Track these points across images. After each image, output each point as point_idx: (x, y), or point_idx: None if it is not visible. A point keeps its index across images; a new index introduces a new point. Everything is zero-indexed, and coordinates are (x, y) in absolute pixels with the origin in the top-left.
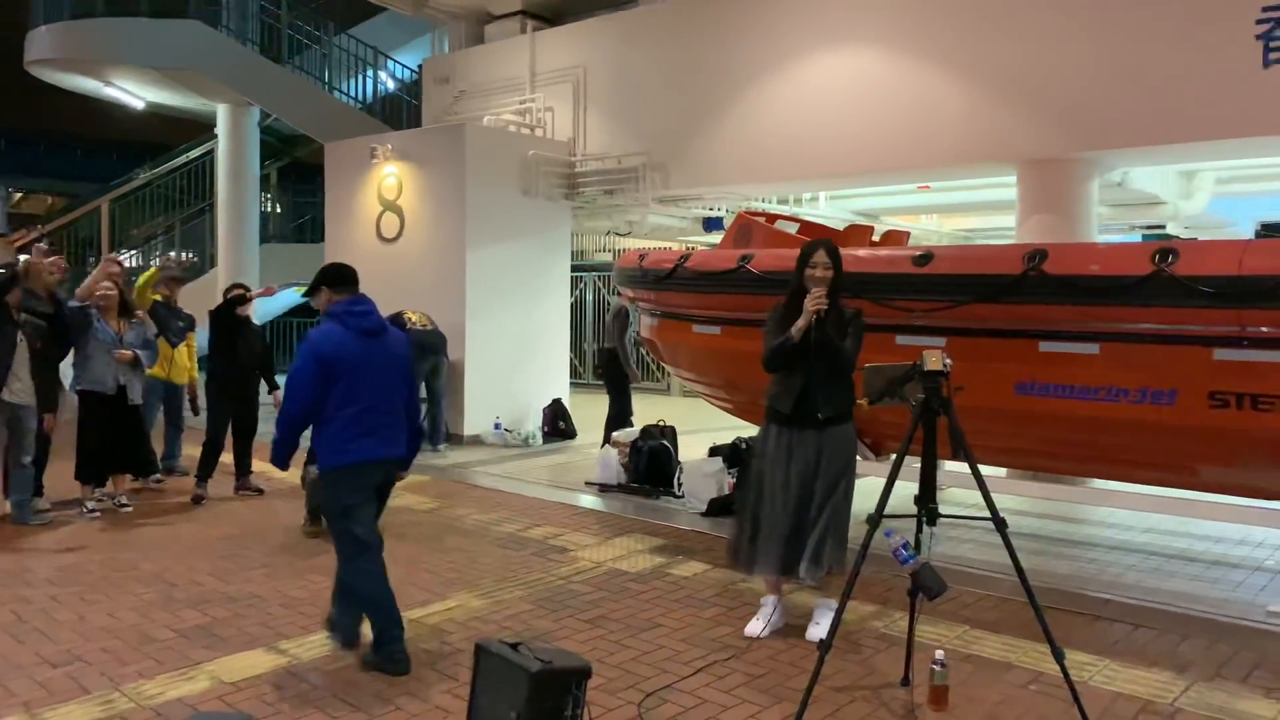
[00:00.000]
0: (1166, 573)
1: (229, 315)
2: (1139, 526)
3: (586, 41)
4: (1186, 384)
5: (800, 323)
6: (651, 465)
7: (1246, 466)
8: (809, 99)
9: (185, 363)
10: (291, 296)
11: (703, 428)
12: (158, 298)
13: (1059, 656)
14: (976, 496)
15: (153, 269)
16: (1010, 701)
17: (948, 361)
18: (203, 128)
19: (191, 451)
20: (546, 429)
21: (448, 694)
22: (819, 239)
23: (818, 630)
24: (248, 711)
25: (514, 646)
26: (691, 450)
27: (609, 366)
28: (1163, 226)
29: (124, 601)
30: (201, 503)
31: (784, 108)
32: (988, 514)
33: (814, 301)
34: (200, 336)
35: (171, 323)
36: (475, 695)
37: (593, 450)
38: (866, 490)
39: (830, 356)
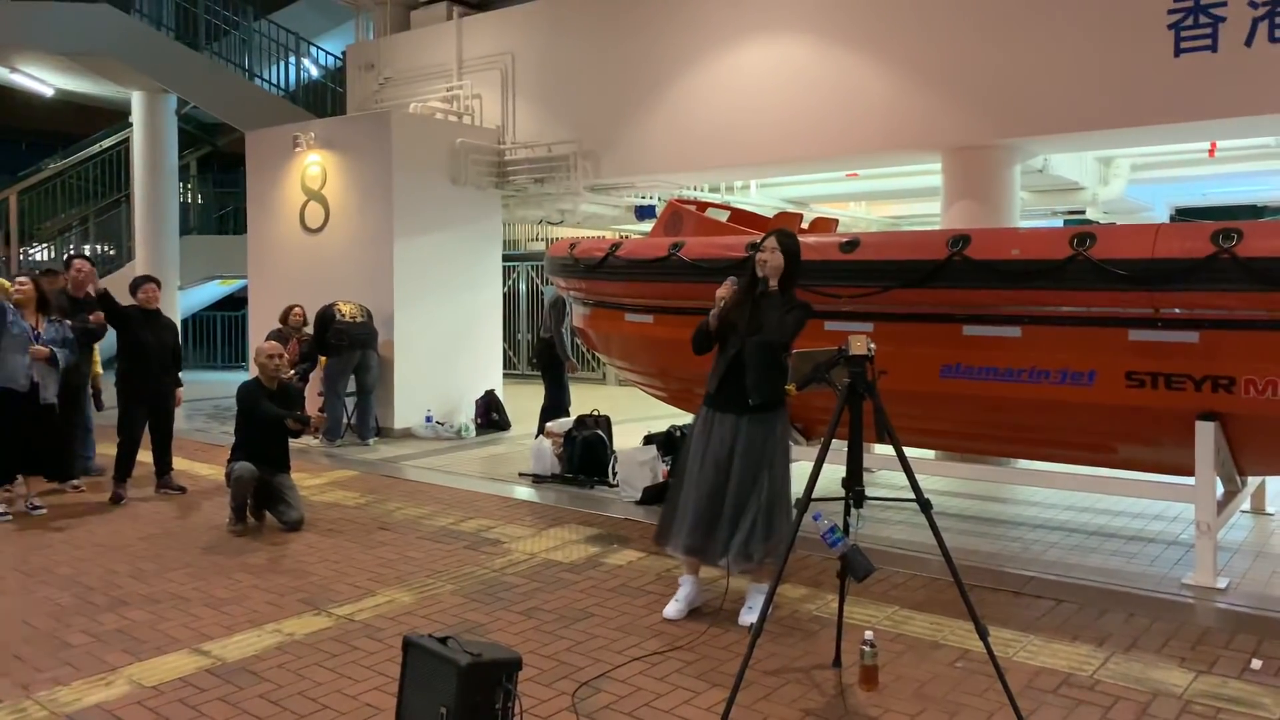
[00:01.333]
0: (1086, 549)
1: (118, 311)
2: (1060, 505)
3: (514, 28)
4: (1104, 365)
5: (714, 309)
6: (586, 455)
7: (1161, 444)
8: (737, 87)
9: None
10: (214, 289)
11: (638, 416)
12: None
13: (983, 634)
14: (904, 478)
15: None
16: (938, 679)
17: (872, 346)
18: (117, 116)
19: (108, 450)
20: (480, 421)
21: (377, 691)
22: (777, 228)
23: (750, 615)
24: (167, 716)
25: (443, 641)
26: (626, 439)
27: (545, 356)
28: (1082, 212)
29: (38, 606)
30: (121, 502)
31: (713, 95)
32: (914, 496)
33: (722, 287)
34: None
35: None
36: (404, 691)
37: (527, 441)
38: (798, 474)
39: (760, 346)
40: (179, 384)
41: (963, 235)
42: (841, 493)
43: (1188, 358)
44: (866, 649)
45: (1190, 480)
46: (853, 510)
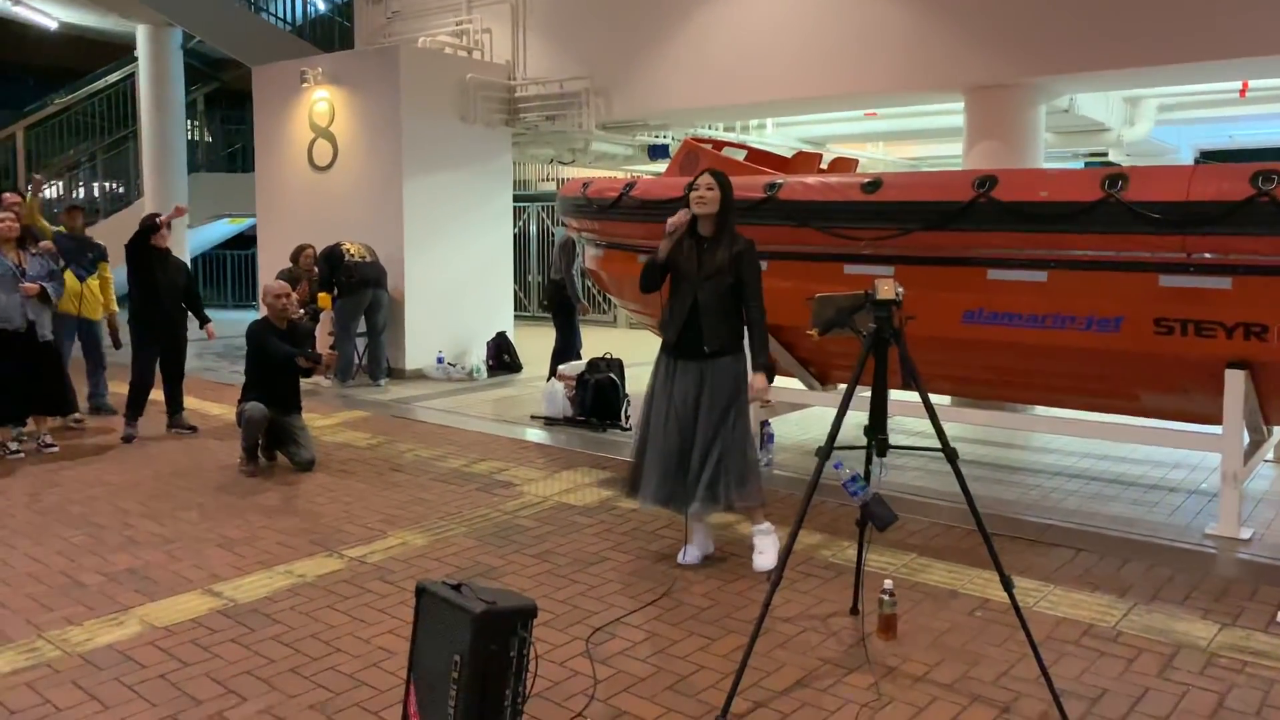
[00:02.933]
0: (1105, 497)
1: (143, 247)
2: (1078, 452)
3: None
4: (1132, 311)
5: (663, 244)
6: (598, 398)
7: (1188, 392)
8: (755, 22)
9: (99, 296)
10: (223, 228)
11: (650, 359)
12: (61, 229)
13: (1008, 586)
14: (922, 424)
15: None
16: (957, 629)
17: (900, 290)
18: (122, 50)
19: (120, 389)
20: (491, 362)
21: (390, 634)
22: (709, 167)
23: (763, 559)
24: (180, 656)
25: (456, 587)
26: (638, 383)
27: (555, 298)
28: (1105, 154)
29: (50, 545)
30: (132, 442)
31: (730, 31)
32: (937, 444)
33: (677, 215)
34: (121, 273)
35: (79, 255)
36: (417, 638)
37: (538, 384)
38: (810, 420)
39: (715, 294)
40: (206, 319)
41: (989, 176)
42: (863, 441)
43: (1220, 304)
44: (885, 598)
45: (1216, 429)
46: (875, 459)
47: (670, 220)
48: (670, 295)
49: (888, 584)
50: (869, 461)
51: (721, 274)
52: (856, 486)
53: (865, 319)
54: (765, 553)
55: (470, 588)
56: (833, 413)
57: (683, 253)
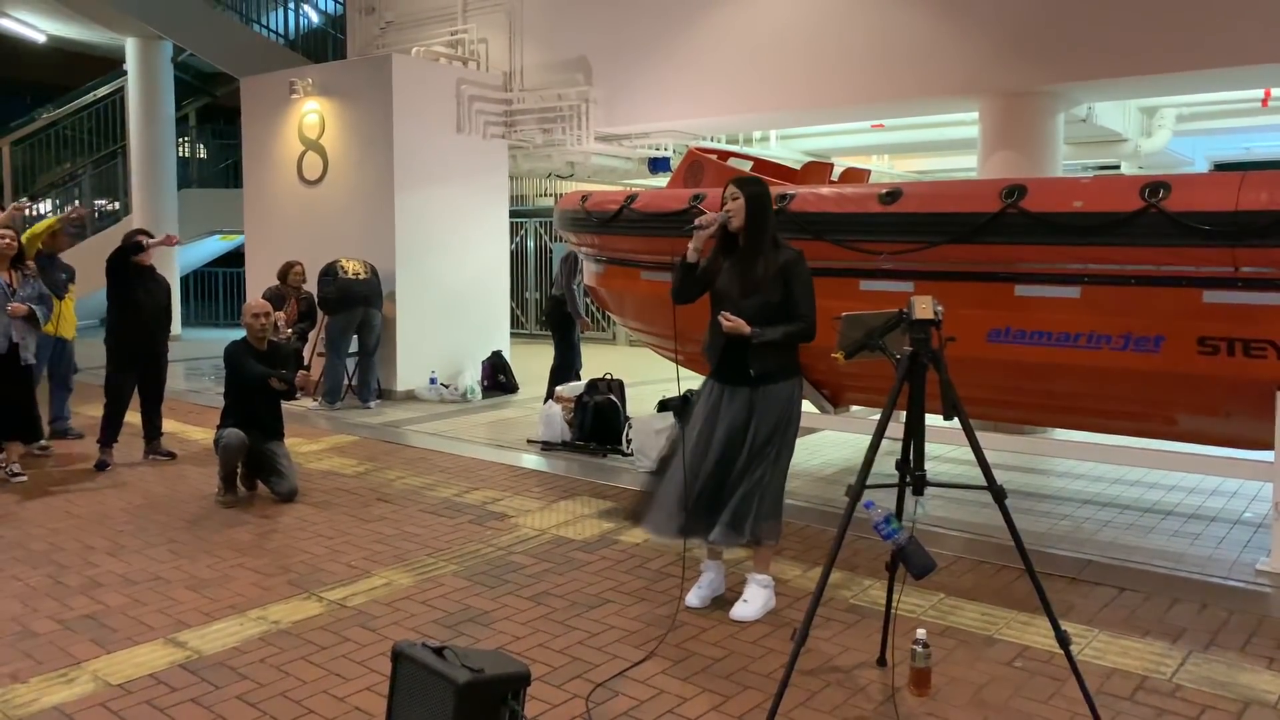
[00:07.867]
0: (1144, 528)
1: (125, 264)
2: (1107, 477)
3: None
4: (1174, 329)
5: (691, 243)
6: (598, 421)
7: (1231, 416)
8: (762, 28)
9: (72, 316)
10: (214, 245)
11: (651, 379)
12: (40, 247)
13: (1064, 643)
14: (941, 448)
15: (51, 219)
16: (997, 681)
17: (939, 309)
18: (111, 64)
19: (88, 411)
20: (486, 383)
21: (368, 691)
22: (735, 176)
23: (744, 609)
24: (132, 719)
25: (439, 651)
26: (640, 405)
27: (555, 315)
28: (1117, 166)
29: (4, 587)
30: (106, 469)
31: (736, 38)
32: (976, 478)
33: (706, 215)
34: (99, 291)
35: (54, 275)
36: (394, 707)
37: (535, 405)
38: (820, 444)
39: (759, 314)
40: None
41: (1018, 185)
42: (894, 475)
43: (1271, 322)
44: (918, 649)
45: (1265, 455)
46: (911, 497)
47: (701, 218)
48: (711, 317)
49: (920, 633)
50: (901, 499)
51: (763, 291)
52: (890, 529)
53: (898, 340)
54: (750, 603)
55: (454, 651)
56: (845, 436)
57: (721, 270)
